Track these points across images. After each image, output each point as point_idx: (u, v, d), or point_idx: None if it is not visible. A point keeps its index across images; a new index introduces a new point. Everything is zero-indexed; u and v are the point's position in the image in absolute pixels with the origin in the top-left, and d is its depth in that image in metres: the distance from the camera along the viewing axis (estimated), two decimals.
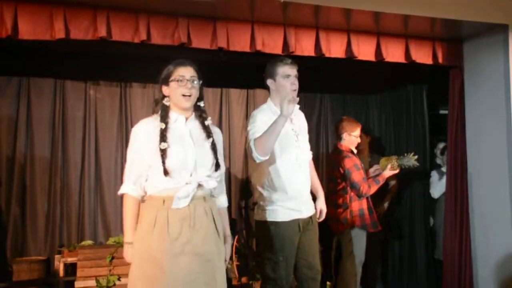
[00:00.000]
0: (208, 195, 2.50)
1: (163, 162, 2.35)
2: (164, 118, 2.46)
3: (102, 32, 3.49)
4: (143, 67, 4.75)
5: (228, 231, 2.65)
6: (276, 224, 3.06)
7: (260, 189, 3.12)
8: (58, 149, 5.03)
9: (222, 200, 2.66)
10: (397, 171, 4.42)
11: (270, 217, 3.07)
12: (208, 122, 2.55)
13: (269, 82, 3.21)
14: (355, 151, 4.48)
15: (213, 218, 2.48)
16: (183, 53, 4.01)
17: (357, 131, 4.46)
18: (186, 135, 2.47)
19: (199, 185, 2.41)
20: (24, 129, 4.95)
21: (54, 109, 5.07)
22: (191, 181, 2.39)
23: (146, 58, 4.48)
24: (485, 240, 4.41)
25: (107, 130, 5.20)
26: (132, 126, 5.23)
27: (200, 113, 2.56)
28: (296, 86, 3.15)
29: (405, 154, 4.43)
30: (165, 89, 2.50)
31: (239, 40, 3.89)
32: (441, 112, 5.72)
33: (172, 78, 2.47)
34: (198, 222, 2.38)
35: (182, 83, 2.45)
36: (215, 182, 2.48)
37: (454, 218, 4.53)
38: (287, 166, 3.09)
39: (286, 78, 3.13)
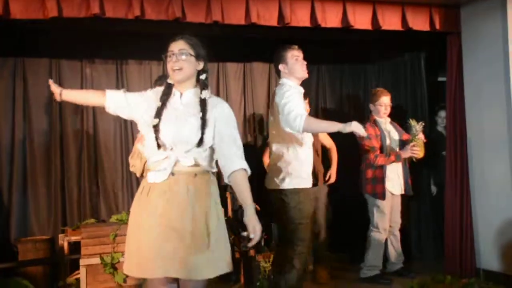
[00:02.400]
0: (203, 172, 2.45)
1: (156, 138, 2.39)
2: (163, 95, 2.49)
3: (95, 9, 3.47)
4: (139, 44, 4.74)
5: (247, 200, 2.47)
6: (303, 190, 3.37)
7: (286, 159, 3.37)
8: (57, 129, 5.04)
9: (236, 164, 2.47)
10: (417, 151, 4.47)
11: (300, 185, 3.36)
12: (204, 95, 2.48)
13: (281, 67, 3.48)
14: (382, 120, 4.68)
15: (205, 196, 2.42)
16: (178, 29, 4.03)
17: (379, 101, 4.65)
18: (174, 111, 2.45)
19: (178, 161, 2.40)
20: (21, 110, 4.96)
21: (50, 89, 5.04)
22: (169, 156, 2.39)
23: (142, 35, 4.47)
24: (486, 204, 4.46)
25: (104, 108, 5.18)
26: None
27: (200, 87, 2.52)
28: (305, 66, 3.50)
29: (412, 125, 4.46)
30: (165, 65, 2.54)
31: (234, 13, 3.87)
32: (440, 79, 5.72)
33: (166, 54, 2.49)
34: (176, 197, 2.36)
35: (171, 58, 2.45)
36: (192, 159, 2.39)
37: (455, 184, 4.58)
38: (308, 142, 3.45)
39: (296, 60, 3.45)
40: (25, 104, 4.98)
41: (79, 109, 5.13)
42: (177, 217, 2.34)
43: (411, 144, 4.45)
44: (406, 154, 4.47)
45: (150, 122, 2.43)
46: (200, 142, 2.39)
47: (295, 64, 3.44)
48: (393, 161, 4.50)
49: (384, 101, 4.66)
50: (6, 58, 4.93)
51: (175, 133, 2.39)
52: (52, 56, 5.05)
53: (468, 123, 4.56)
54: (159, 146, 2.39)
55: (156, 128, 2.40)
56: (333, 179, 4.77)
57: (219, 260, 2.38)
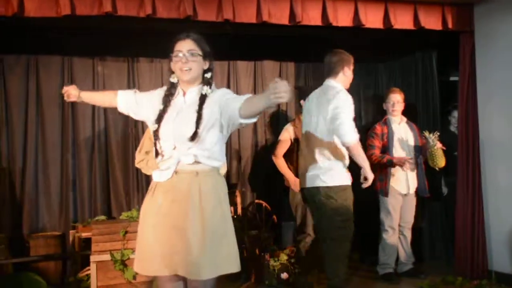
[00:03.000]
0: (207, 170, 2.42)
1: (155, 144, 2.45)
2: (166, 95, 2.49)
3: (107, 7, 3.49)
4: (150, 42, 4.76)
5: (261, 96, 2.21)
6: (348, 187, 3.50)
7: (332, 157, 3.46)
8: (68, 125, 5.09)
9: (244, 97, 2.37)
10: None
11: (346, 181, 3.49)
12: (205, 91, 2.46)
13: (345, 69, 3.63)
14: (394, 119, 4.67)
15: (208, 194, 2.40)
16: (189, 27, 4.04)
17: (388, 98, 4.68)
18: (176, 111, 2.45)
19: (180, 160, 2.40)
20: (35, 107, 5.01)
21: (62, 86, 4.99)
22: (173, 155, 2.41)
23: (153, 33, 4.48)
24: (498, 205, 4.42)
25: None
26: None
27: (204, 84, 2.50)
28: None
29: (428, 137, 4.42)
30: (171, 65, 2.51)
31: (245, 12, 3.88)
32: (452, 78, 5.67)
33: (172, 53, 2.47)
34: (179, 196, 2.37)
35: (179, 58, 2.43)
36: (192, 157, 2.38)
37: (466, 185, 4.53)
38: None
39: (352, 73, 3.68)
40: (38, 101, 5.03)
41: (90, 105, 5.17)
42: (182, 216, 2.34)
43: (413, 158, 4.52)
44: (399, 162, 4.44)
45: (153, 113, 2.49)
46: (194, 136, 2.34)
47: (351, 76, 3.68)
48: (384, 164, 4.48)
49: (392, 99, 4.64)
50: (19, 55, 4.99)
51: (174, 132, 2.40)
52: (64, 53, 5.09)
53: (481, 123, 4.52)
54: (157, 153, 2.44)
55: (155, 133, 2.44)
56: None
57: (225, 259, 2.37)
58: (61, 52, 5.06)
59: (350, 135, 3.32)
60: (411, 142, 4.63)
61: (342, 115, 3.34)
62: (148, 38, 4.68)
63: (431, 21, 4.33)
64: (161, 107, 2.46)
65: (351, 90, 5.96)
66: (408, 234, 4.66)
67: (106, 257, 4.16)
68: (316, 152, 3.47)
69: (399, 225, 4.60)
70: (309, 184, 3.50)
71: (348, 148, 3.40)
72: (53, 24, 3.94)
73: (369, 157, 4.37)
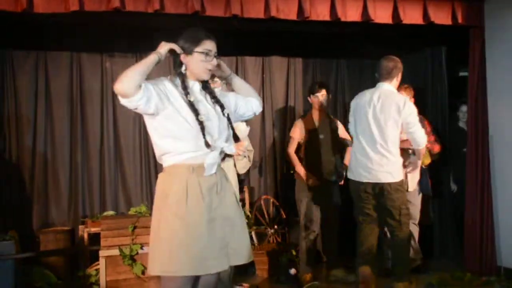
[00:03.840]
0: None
1: (204, 135, 2.33)
2: (186, 88, 2.39)
3: (115, 3, 3.50)
4: (158, 38, 4.75)
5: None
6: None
7: (396, 155, 3.85)
8: (77, 121, 5.12)
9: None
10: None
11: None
12: (217, 91, 2.57)
13: (398, 76, 3.98)
14: None
15: (230, 183, 2.56)
16: (196, 23, 4.04)
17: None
18: (204, 102, 2.44)
19: (221, 152, 2.43)
20: (44, 103, 5.05)
21: (71, 82, 5.14)
22: (215, 148, 2.39)
23: (161, 29, 4.48)
24: (507, 202, 4.40)
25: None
26: None
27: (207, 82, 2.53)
28: None
29: None
30: (185, 57, 2.40)
31: (253, 7, 3.87)
32: (461, 74, 5.64)
33: (197, 49, 2.38)
34: (222, 187, 2.43)
35: (209, 57, 2.40)
36: (233, 148, 2.49)
37: (475, 181, 4.51)
38: None
39: None
40: (47, 97, 5.07)
41: (99, 101, 5.20)
42: (228, 206, 2.43)
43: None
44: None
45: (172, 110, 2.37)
46: (233, 132, 2.51)
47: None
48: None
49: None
50: (28, 51, 5.03)
51: (220, 127, 2.44)
52: (73, 49, 5.12)
53: (491, 119, 4.49)
54: (207, 145, 2.37)
55: (202, 124, 2.35)
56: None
57: (248, 247, 2.48)
58: (70, 48, 5.10)
59: (423, 141, 3.86)
60: None
61: (416, 123, 3.81)
62: (155, 34, 4.68)
63: (441, 16, 4.30)
64: (187, 98, 2.37)
65: (358, 86, 6.02)
66: (415, 230, 4.63)
67: (115, 252, 4.20)
68: (384, 150, 3.81)
69: None
70: (376, 178, 3.84)
71: (417, 150, 3.94)
72: (62, 20, 3.96)
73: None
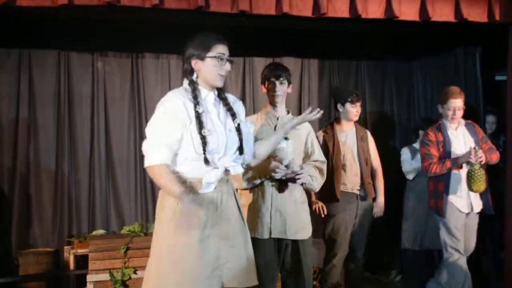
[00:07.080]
0: (230, 177, 2.61)
1: (204, 151, 2.40)
2: (196, 97, 2.46)
3: None
4: (157, 36, 4.76)
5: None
6: None
7: None
8: (64, 128, 5.10)
9: None
10: None
11: None
12: (231, 99, 2.63)
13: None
14: (449, 125, 4.34)
15: (236, 200, 2.61)
16: (200, 19, 4.03)
17: (447, 104, 4.31)
18: (214, 115, 2.52)
19: (226, 170, 2.50)
20: (27, 107, 5.03)
21: (58, 84, 5.13)
22: (219, 166, 2.47)
23: (160, 26, 4.47)
24: None
25: (117, 107, 5.23)
26: (145, 102, 5.29)
27: (222, 90, 2.62)
28: None
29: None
30: (196, 63, 2.50)
31: (263, 2, 3.86)
32: (498, 77, 5.59)
33: (210, 54, 2.48)
34: (223, 205, 2.51)
35: (223, 62, 2.50)
36: (241, 168, 2.58)
37: None
38: None
39: None
40: (30, 100, 5.05)
41: (89, 106, 5.19)
42: (227, 225, 2.51)
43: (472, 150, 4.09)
44: (464, 158, 4.11)
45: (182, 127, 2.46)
46: (241, 151, 2.59)
47: None
48: (449, 168, 4.18)
49: (453, 105, 4.29)
50: (10, 49, 5.01)
51: (227, 144, 2.52)
52: (61, 47, 5.11)
53: None
54: (206, 161, 2.45)
55: (204, 138, 2.43)
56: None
57: (250, 270, 2.56)
58: (58, 45, 5.08)
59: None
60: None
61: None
62: (154, 31, 4.68)
63: (475, 13, 4.26)
64: (200, 109, 2.44)
65: (381, 89, 5.99)
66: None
67: (105, 276, 4.16)
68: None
69: None
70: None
71: None
72: (48, 15, 3.96)
73: (428, 169, 4.25)
